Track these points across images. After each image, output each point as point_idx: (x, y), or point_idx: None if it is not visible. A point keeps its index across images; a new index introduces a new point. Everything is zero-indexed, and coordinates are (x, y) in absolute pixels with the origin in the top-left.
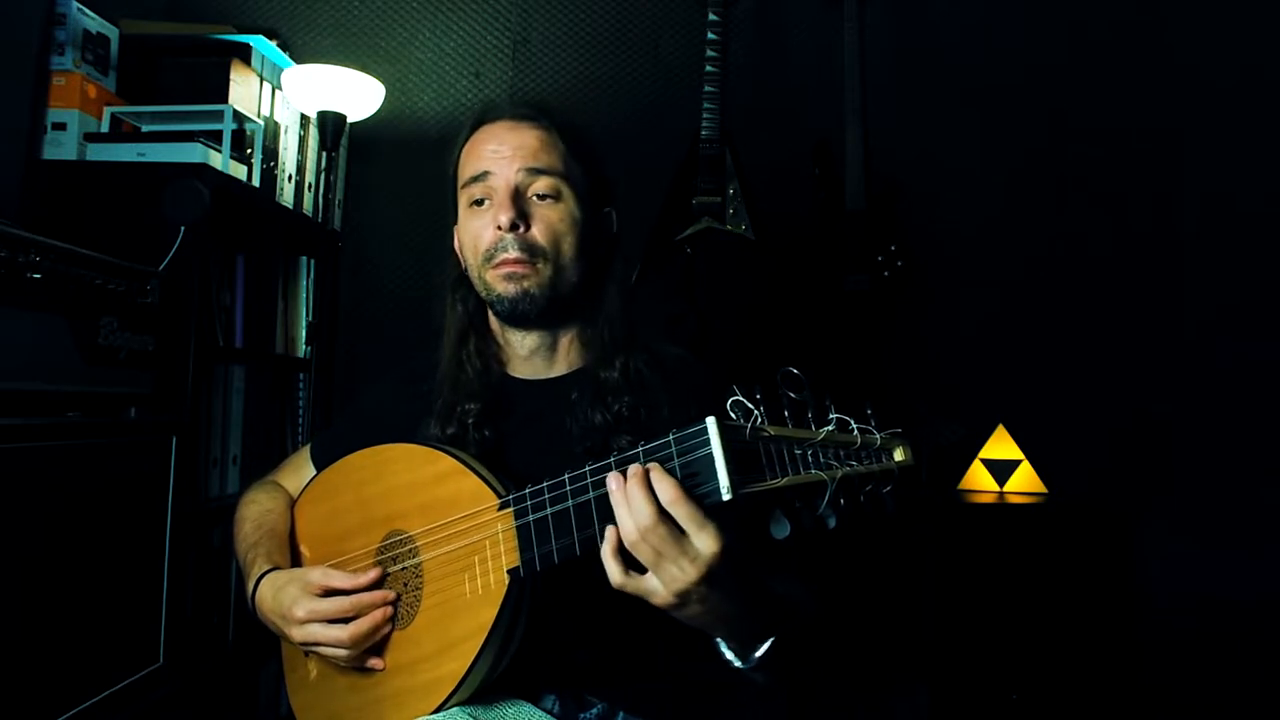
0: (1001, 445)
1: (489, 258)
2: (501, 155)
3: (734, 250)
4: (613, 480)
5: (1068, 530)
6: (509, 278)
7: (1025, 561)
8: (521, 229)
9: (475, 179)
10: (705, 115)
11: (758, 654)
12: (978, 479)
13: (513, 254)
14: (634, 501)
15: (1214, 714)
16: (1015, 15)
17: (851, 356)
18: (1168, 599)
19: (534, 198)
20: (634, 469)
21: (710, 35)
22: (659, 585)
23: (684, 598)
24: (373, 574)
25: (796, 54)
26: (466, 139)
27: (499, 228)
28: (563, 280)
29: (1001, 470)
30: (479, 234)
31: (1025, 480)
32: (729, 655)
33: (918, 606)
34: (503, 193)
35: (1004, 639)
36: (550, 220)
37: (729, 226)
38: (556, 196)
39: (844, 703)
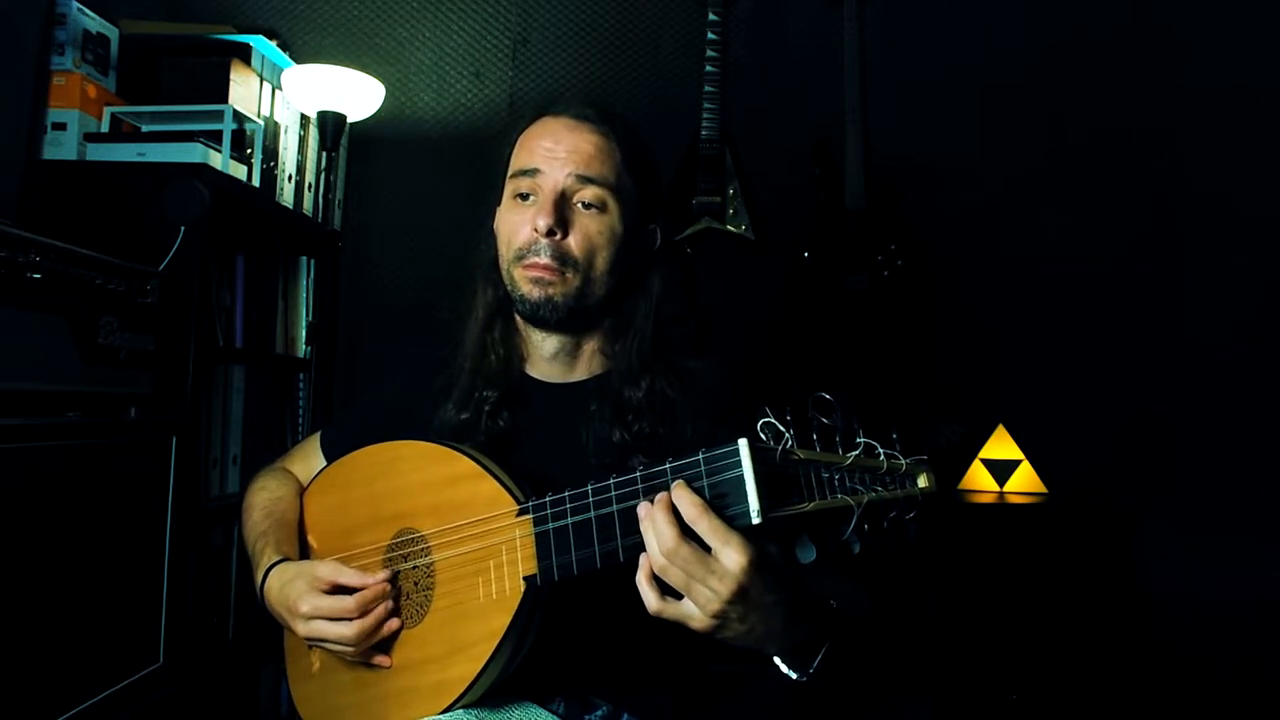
0: (1001, 445)
1: (520, 256)
2: (555, 155)
3: (734, 250)
4: (642, 508)
5: (1068, 530)
6: (535, 281)
7: (1025, 562)
8: (558, 236)
9: (524, 172)
10: (705, 115)
11: (814, 665)
12: (978, 479)
13: (544, 259)
14: (658, 524)
15: (1214, 714)
16: (1015, 15)
17: (851, 357)
18: (1168, 599)
19: (579, 205)
20: (661, 496)
21: (710, 35)
22: (695, 609)
23: (721, 618)
24: (382, 575)
25: (796, 54)
26: (525, 127)
27: (535, 229)
28: (590, 292)
29: (1001, 470)
30: (516, 229)
31: (1025, 480)
32: (785, 669)
33: (918, 606)
34: (547, 194)
35: (1004, 639)
36: (590, 231)
37: (729, 226)
38: (602, 208)
39: (846, 702)
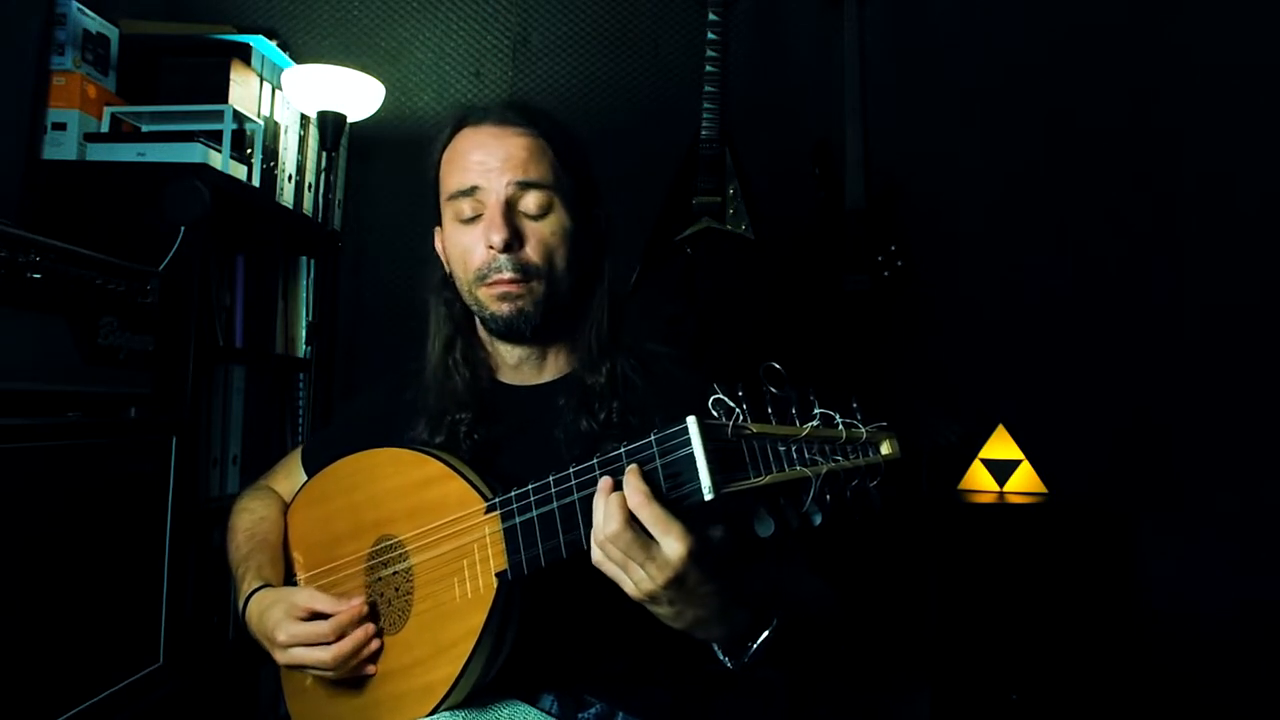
0: (1001, 445)
1: (482, 277)
2: (489, 167)
3: (734, 250)
4: (600, 486)
5: (1068, 530)
6: (503, 298)
7: (1025, 562)
8: (515, 248)
9: (463, 193)
10: (705, 115)
11: (749, 653)
12: (978, 479)
13: (507, 274)
14: (609, 508)
15: (1215, 714)
16: (1015, 15)
17: (851, 357)
18: (1168, 599)
19: (525, 213)
20: (604, 482)
21: (710, 35)
22: (629, 581)
23: (652, 598)
24: (357, 601)
25: (796, 54)
26: (448, 141)
27: (491, 247)
28: (556, 294)
29: (1001, 470)
30: (469, 250)
31: (1025, 480)
32: (720, 656)
33: (918, 606)
34: (494, 210)
35: (1004, 639)
36: (543, 236)
37: (729, 226)
38: (548, 210)
39: (845, 702)
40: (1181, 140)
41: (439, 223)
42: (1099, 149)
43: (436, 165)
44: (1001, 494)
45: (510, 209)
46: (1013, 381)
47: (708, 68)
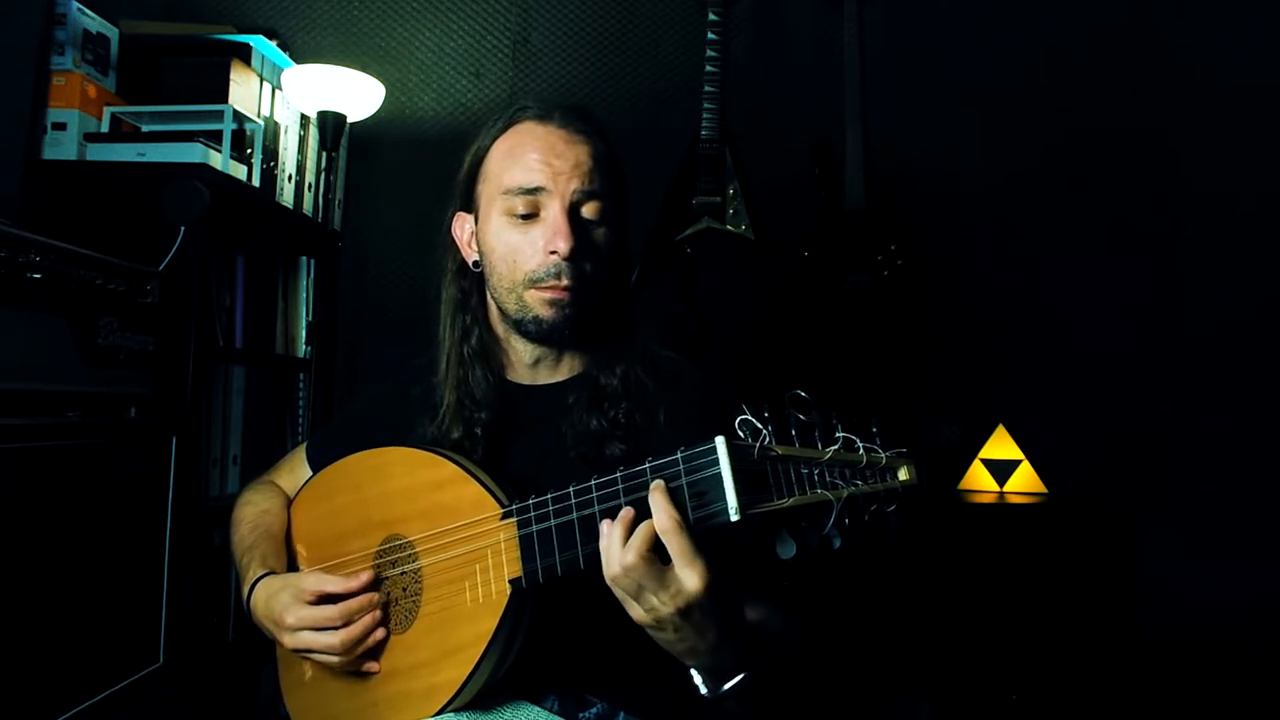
0: (1001, 445)
1: (534, 280)
2: (558, 171)
3: (734, 250)
4: (604, 525)
5: (1068, 531)
6: (553, 304)
7: (1025, 562)
8: (578, 257)
9: (526, 191)
10: (705, 115)
11: (726, 687)
12: (978, 479)
13: (565, 281)
14: (631, 539)
15: (1214, 715)
16: (1015, 15)
17: (851, 356)
18: (1167, 600)
19: (585, 220)
20: (625, 514)
21: (710, 35)
22: (637, 606)
23: (660, 624)
24: (365, 576)
25: (796, 54)
26: (502, 131)
27: (553, 253)
28: (595, 300)
29: (1001, 470)
30: (520, 250)
31: (1025, 480)
32: (697, 682)
33: (918, 606)
34: (560, 216)
35: (1004, 639)
36: (599, 246)
37: (729, 226)
38: (603, 220)
39: (846, 703)
40: (1182, 141)
41: (465, 208)
42: (1098, 148)
43: (484, 152)
44: (1001, 494)
45: (578, 219)
46: (1013, 381)
47: (707, 68)
